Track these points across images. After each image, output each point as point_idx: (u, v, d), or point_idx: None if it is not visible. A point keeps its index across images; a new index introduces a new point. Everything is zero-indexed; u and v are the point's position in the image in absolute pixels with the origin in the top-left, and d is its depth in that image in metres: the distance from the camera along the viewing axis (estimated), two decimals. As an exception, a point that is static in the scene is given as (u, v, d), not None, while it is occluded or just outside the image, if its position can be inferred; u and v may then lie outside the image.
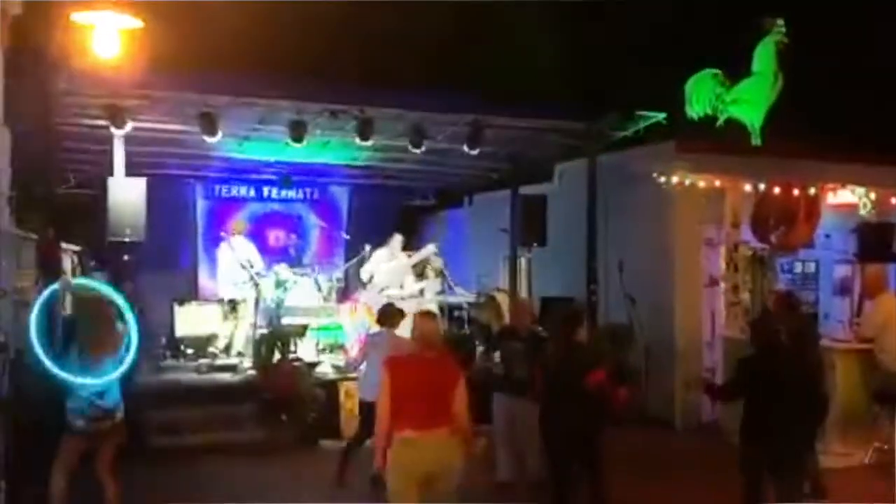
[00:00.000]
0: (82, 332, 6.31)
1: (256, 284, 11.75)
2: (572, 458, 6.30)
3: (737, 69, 11.15)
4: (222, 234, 12.46)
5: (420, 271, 13.04)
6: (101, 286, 6.98)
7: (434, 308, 11.62)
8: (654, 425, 10.23)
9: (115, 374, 6.22)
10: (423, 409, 5.09)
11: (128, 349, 6.32)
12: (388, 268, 11.94)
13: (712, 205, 10.46)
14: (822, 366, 7.35)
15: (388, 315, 8.13)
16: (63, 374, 6.10)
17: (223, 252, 12.15)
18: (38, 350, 6.10)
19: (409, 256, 12.18)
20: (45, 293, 6.61)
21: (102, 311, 6.38)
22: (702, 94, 11.07)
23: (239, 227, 12.58)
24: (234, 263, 11.90)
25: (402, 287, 11.92)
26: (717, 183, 10.10)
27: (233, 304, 12.09)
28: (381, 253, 12.08)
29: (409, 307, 11.16)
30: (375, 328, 8.58)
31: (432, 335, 5.42)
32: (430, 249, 12.17)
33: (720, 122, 11.15)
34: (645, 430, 9.85)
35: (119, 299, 6.56)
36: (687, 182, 10.11)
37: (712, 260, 10.80)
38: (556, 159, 12.91)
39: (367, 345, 8.36)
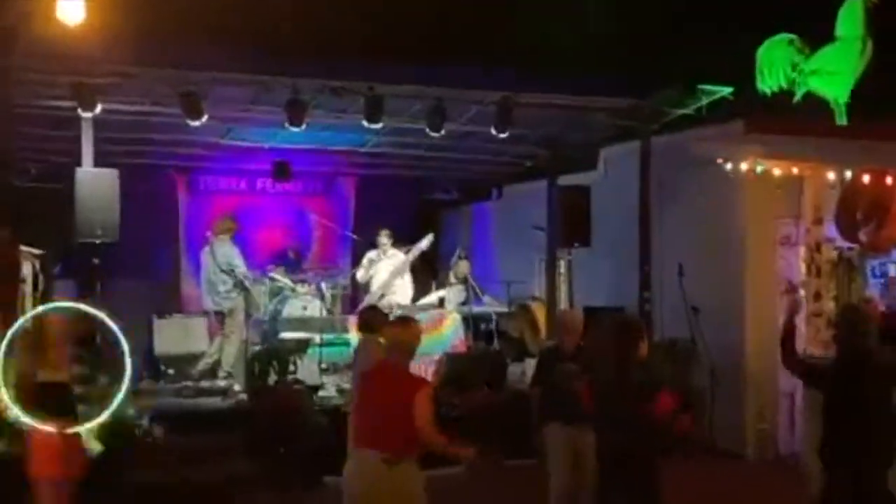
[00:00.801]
0: None
1: (245, 290, 11.70)
2: (624, 495, 6.20)
3: (818, 34, 11.09)
4: (208, 234, 12.42)
5: (440, 276, 13.05)
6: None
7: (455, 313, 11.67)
8: (723, 456, 10.21)
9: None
10: (369, 426, 5.40)
11: None
12: (382, 269, 12.08)
13: (789, 196, 10.41)
14: None
15: (370, 321, 7.95)
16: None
17: (205, 256, 12.06)
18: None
19: (406, 252, 12.19)
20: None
21: None
22: (776, 65, 11.07)
23: (224, 226, 12.22)
24: (215, 269, 11.81)
25: (395, 290, 11.99)
26: (795, 170, 10.02)
27: (219, 317, 11.96)
28: (370, 255, 12.27)
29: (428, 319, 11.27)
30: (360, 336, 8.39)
31: (406, 344, 5.66)
32: (426, 241, 12.15)
33: (798, 97, 11.12)
34: (712, 462, 9.84)
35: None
36: (758, 169, 10.02)
37: (790, 262, 10.77)
38: (601, 143, 12.92)
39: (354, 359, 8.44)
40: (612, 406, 6.26)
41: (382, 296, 11.68)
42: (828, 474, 6.20)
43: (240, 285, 11.63)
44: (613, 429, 6.21)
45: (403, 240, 12.40)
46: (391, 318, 8.45)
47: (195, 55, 9.91)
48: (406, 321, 6.09)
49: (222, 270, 11.61)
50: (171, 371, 12.14)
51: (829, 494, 6.20)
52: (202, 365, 11.92)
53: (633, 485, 6.18)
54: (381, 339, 7.62)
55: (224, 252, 11.72)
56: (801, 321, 10.36)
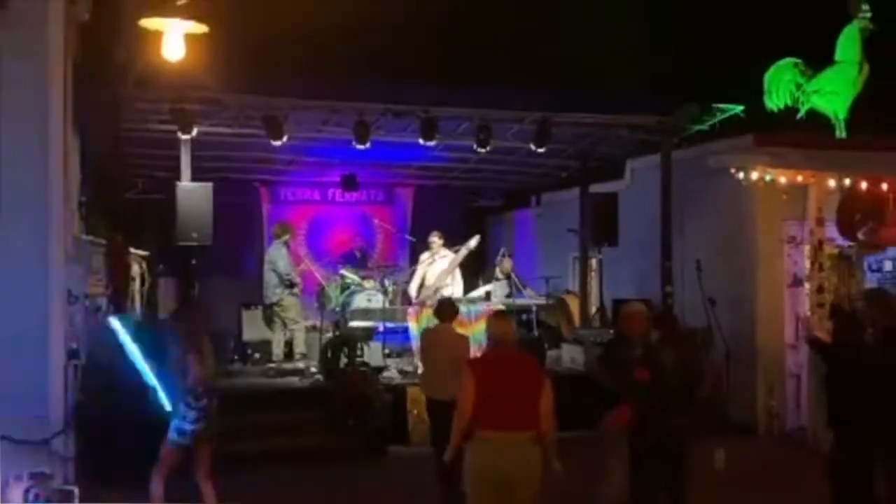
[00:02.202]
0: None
1: (290, 286, 11.73)
2: (664, 472, 6.13)
3: (819, 57, 10.99)
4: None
5: (489, 273, 13.07)
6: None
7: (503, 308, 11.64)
8: (737, 431, 10.05)
9: None
10: (506, 410, 5.08)
11: None
12: (434, 269, 12.04)
13: (794, 201, 10.25)
14: None
15: (446, 310, 8.16)
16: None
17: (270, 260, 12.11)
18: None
19: (456, 252, 12.13)
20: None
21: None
22: (782, 85, 10.98)
23: (278, 231, 12.29)
24: (266, 268, 11.93)
25: (449, 285, 11.89)
26: (800, 178, 9.89)
27: (271, 311, 12.05)
28: (423, 256, 12.25)
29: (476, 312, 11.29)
30: (434, 323, 8.55)
31: (508, 334, 5.43)
32: (473, 242, 12.09)
33: (802, 113, 11.03)
34: (727, 436, 9.55)
35: None
36: (767, 178, 9.92)
37: (795, 259, 10.68)
38: (628, 155, 12.88)
39: (424, 340, 8.62)
40: (672, 391, 6.13)
41: (437, 290, 11.65)
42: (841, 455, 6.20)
43: (285, 283, 11.69)
44: (665, 410, 6.07)
45: (454, 241, 12.41)
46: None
47: (276, 85, 10.03)
48: (503, 315, 5.87)
49: (272, 269, 11.76)
50: (256, 354, 12.32)
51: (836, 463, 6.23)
52: (277, 349, 12.09)
53: (677, 462, 6.12)
54: (451, 326, 8.14)
55: (272, 254, 11.89)
56: (805, 311, 10.30)
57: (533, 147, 10.99)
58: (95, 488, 7.16)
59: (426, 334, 8.81)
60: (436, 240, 12.22)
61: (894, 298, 6.95)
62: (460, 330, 9.71)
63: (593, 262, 13.35)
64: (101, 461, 7.40)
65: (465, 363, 5.50)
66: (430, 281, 12.04)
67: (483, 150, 10.98)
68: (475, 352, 8.60)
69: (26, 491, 6.93)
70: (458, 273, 12.25)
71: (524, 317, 12.57)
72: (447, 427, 5.57)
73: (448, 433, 5.51)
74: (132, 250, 10.05)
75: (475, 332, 10.33)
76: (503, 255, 13.24)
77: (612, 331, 11.11)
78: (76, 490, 7.15)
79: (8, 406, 6.72)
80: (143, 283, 10.54)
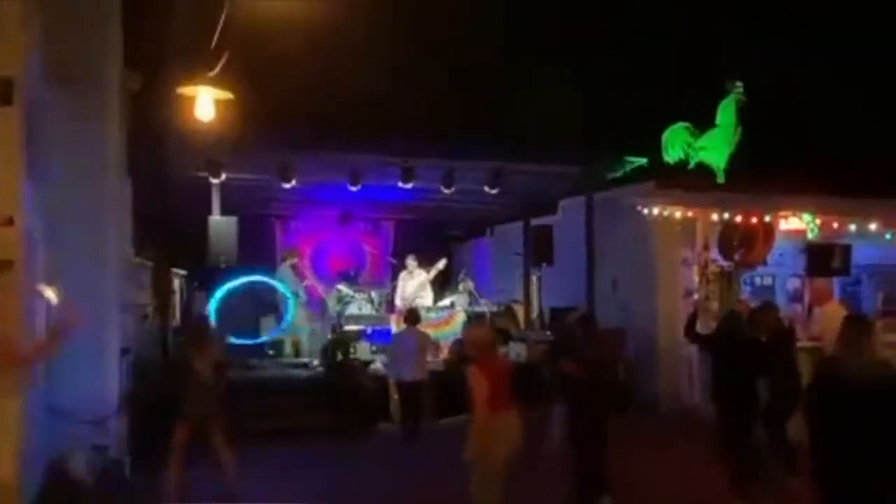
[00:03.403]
0: None
1: (296, 297, 11.76)
2: (592, 431, 6.16)
3: (704, 122, 11.11)
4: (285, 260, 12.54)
5: (453, 287, 13.11)
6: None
7: (463, 315, 11.72)
8: (643, 408, 10.10)
9: None
10: (506, 394, 5.22)
11: None
12: (411, 284, 12.06)
13: (686, 231, 10.44)
14: (794, 357, 7.05)
15: (411, 317, 9.15)
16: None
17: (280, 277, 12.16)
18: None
19: (427, 272, 12.23)
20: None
21: None
22: (676, 143, 11.05)
23: (285, 256, 12.45)
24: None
25: (422, 297, 11.95)
26: (690, 214, 10.07)
27: (283, 317, 12.05)
28: (402, 275, 12.30)
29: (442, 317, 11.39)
30: (403, 326, 9.36)
31: (487, 338, 5.50)
32: (441, 264, 12.25)
33: (691, 165, 11.11)
34: (635, 412, 9.70)
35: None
36: (665, 213, 10.09)
37: (687, 276, 10.72)
38: (560, 196, 12.85)
39: (396, 340, 9.39)
40: (596, 376, 6.21)
41: (413, 301, 11.66)
42: (724, 421, 6.30)
43: (290, 298, 11.71)
44: (597, 390, 6.18)
45: (426, 263, 12.45)
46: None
47: (286, 141, 10.00)
48: (482, 324, 6.08)
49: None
50: (271, 352, 12.23)
51: (725, 434, 6.31)
52: (288, 348, 12.03)
53: (604, 434, 6.14)
54: (418, 327, 8.92)
55: (279, 273, 11.94)
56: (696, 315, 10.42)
57: (487, 189, 11.03)
58: (141, 458, 7.14)
59: (398, 335, 9.36)
60: (412, 262, 12.28)
61: (777, 311, 7.13)
62: (430, 330, 10.05)
63: (534, 278, 13.42)
64: (146, 437, 7.33)
65: (477, 365, 5.27)
66: (407, 294, 12.08)
67: (449, 191, 10.98)
68: (434, 347, 9.47)
69: (86, 461, 6.87)
70: (429, 287, 12.31)
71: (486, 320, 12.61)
72: (411, 398, 7.39)
73: (411, 404, 7.02)
74: (174, 270, 9.99)
75: (442, 331, 10.54)
76: (464, 274, 13.27)
77: (547, 332, 11.22)
78: (127, 459, 7.11)
79: (75, 393, 6.68)
80: (181, 296, 10.48)
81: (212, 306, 8.44)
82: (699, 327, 7.52)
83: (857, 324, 4.44)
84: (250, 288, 9.81)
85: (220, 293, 8.50)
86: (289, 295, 7.71)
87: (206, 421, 6.23)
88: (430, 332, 10.32)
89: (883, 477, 3.91)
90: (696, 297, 10.31)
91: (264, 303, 11.68)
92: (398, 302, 12.01)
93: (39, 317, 6.50)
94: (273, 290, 9.81)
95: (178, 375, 6.44)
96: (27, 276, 5.74)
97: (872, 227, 8.12)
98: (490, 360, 5.40)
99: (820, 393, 4.36)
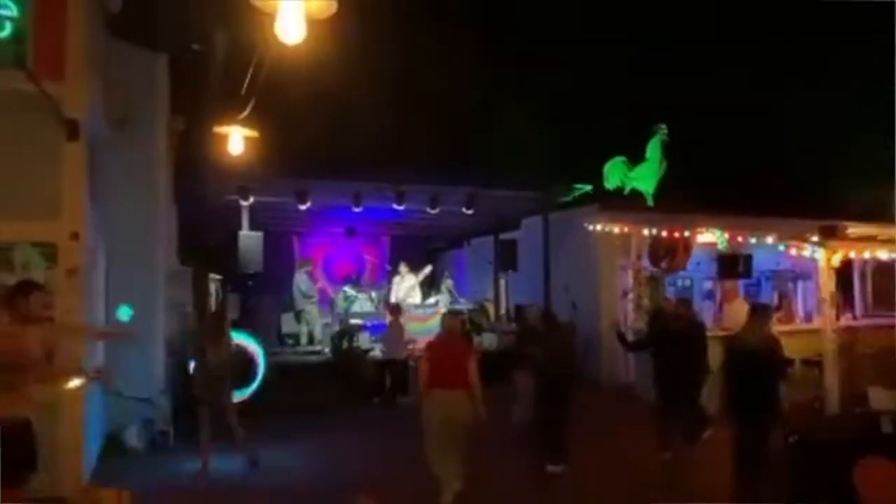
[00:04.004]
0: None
1: (309, 297, 11.72)
2: (563, 410, 6.16)
3: (637, 157, 11.15)
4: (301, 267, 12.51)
5: (437, 288, 13.11)
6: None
7: (445, 311, 11.71)
8: (588, 386, 10.02)
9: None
10: (446, 374, 4.97)
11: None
12: (403, 286, 12.04)
13: (623, 244, 10.45)
14: (705, 346, 7.16)
15: (396, 310, 9.38)
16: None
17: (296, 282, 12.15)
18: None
19: (416, 276, 12.24)
20: None
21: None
22: (614, 174, 11.07)
23: (301, 264, 12.44)
24: (295, 287, 11.94)
25: (412, 297, 11.93)
26: (626, 230, 10.11)
27: (299, 314, 12.05)
28: (395, 279, 12.29)
29: (429, 312, 11.37)
30: (391, 318, 9.46)
31: (455, 327, 5.39)
32: (427, 269, 12.32)
33: (626, 191, 11.14)
34: (583, 390, 9.70)
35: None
36: (606, 230, 10.15)
37: (624, 279, 10.74)
38: (522, 216, 12.81)
39: (389, 328, 9.46)
40: (556, 359, 6.22)
41: (405, 300, 11.66)
42: (660, 395, 6.41)
43: (306, 297, 11.68)
44: (561, 372, 6.18)
45: (415, 269, 12.44)
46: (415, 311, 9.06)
47: (303, 170, 9.95)
48: (454, 313, 5.64)
49: (297, 288, 11.82)
50: (290, 341, 12.16)
51: (659, 403, 6.40)
52: (303, 338, 11.97)
53: (566, 405, 6.12)
54: (399, 319, 8.99)
55: (297, 279, 11.94)
56: (630, 310, 10.47)
57: (464, 210, 11.04)
58: (182, 429, 7.06)
59: (390, 325, 9.40)
60: (404, 268, 12.28)
61: (691, 304, 7.19)
62: (418, 323, 10.08)
63: (502, 281, 13.41)
64: (185, 412, 7.27)
65: (427, 345, 5.27)
66: (400, 294, 12.07)
67: (433, 212, 10.96)
68: (420, 337, 9.08)
69: (138, 432, 6.79)
70: (418, 289, 12.31)
71: (460, 315, 12.59)
72: (399, 373, 7.04)
73: (400, 377, 6.59)
74: (210, 276, 9.92)
75: (428, 324, 10.48)
76: (446, 278, 13.26)
77: (513, 324, 11.23)
78: (170, 430, 7.02)
79: (130, 376, 6.61)
80: (216, 298, 10.40)
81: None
82: (631, 321, 7.58)
83: (756, 311, 5.16)
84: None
85: None
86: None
87: (219, 403, 6.10)
88: (418, 324, 10.34)
89: (762, 406, 4.86)
90: (630, 295, 10.37)
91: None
92: (393, 299, 11.99)
93: (98, 313, 6.43)
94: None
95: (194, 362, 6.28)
96: (88, 280, 5.70)
97: (769, 240, 8.23)
98: (442, 346, 5.17)
99: (728, 358, 5.14)
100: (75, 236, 5.30)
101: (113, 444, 6.66)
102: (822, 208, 9.60)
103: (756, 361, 4.83)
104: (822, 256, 7.31)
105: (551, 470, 5.87)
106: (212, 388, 6.05)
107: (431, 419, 4.97)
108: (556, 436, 5.98)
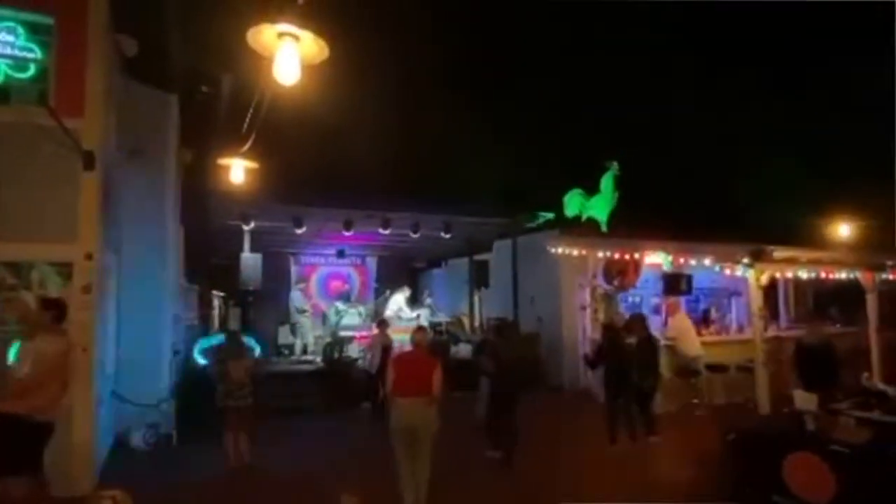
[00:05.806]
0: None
1: (303, 311, 11.56)
2: (512, 414, 6.19)
3: (592, 189, 11.22)
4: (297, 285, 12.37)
5: (420, 303, 13.04)
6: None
7: (426, 324, 11.64)
8: (552, 390, 10.12)
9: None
10: (410, 384, 4.79)
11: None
12: (394, 301, 11.99)
13: (581, 264, 10.44)
14: (656, 354, 7.12)
15: (382, 323, 8.88)
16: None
17: (292, 298, 12.03)
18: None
19: (405, 295, 12.23)
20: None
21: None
22: (573, 203, 11.06)
23: (297, 282, 12.46)
24: (290, 303, 11.79)
25: (400, 312, 11.87)
26: (584, 252, 10.15)
27: (294, 326, 11.87)
28: (391, 296, 12.18)
29: (411, 325, 11.25)
30: (377, 331, 9.03)
31: (422, 340, 5.27)
32: (405, 291, 12.24)
33: (584, 218, 11.13)
34: (546, 393, 9.76)
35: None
36: (567, 252, 10.18)
37: (582, 295, 10.72)
38: (493, 240, 12.84)
39: (373, 339, 9.03)
40: (513, 367, 6.27)
41: (396, 313, 11.61)
42: (608, 396, 6.45)
43: (300, 312, 11.52)
44: (513, 379, 6.22)
45: (400, 286, 12.37)
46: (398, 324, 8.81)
47: (299, 198, 9.88)
48: (421, 328, 5.56)
49: (292, 304, 11.64)
50: (286, 351, 11.94)
51: (609, 405, 6.42)
52: (298, 348, 11.76)
53: (514, 409, 6.19)
54: (386, 331, 8.54)
55: (292, 295, 11.79)
56: (588, 323, 10.46)
57: (442, 234, 11.07)
58: (186, 433, 6.87)
59: (374, 337, 9.07)
60: (389, 292, 12.17)
61: (644, 320, 7.19)
62: (398, 334, 9.92)
63: (476, 297, 13.42)
64: (189, 418, 7.07)
65: (393, 359, 5.12)
66: (394, 308, 11.95)
67: (415, 236, 10.98)
68: (399, 347, 8.77)
69: (143, 435, 6.57)
70: (405, 304, 12.21)
71: (439, 328, 12.56)
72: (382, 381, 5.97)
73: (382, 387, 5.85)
74: (214, 292, 9.76)
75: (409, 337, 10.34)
76: (426, 294, 13.24)
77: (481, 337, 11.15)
78: (174, 434, 6.81)
79: (137, 383, 6.43)
80: (220, 313, 10.22)
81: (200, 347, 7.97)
82: (591, 333, 7.56)
83: (634, 317, 6.21)
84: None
85: (205, 344, 8.02)
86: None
87: (238, 412, 6.02)
88: (403, 335, 10.24)
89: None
90: (588, 310, 10.37)
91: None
92: (388, 313, 11.91)
93: (110, 325, 6.25)
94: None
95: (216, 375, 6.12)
96: (101, 297, 5.56)
97: (707, 261, 8.38)
98: (408, 358, 5.01)
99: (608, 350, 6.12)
100: (90, 256, 5.21)
101: (121, 446, 6.44)
102: (752, 234, 9.82)
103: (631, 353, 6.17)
104: (751, 276, 7.47)
105: (489, 455, 6.09)
106: (233, 399, 6.00)
107: (395, 427, 4.79)
108: (498, 429, 6.12)
